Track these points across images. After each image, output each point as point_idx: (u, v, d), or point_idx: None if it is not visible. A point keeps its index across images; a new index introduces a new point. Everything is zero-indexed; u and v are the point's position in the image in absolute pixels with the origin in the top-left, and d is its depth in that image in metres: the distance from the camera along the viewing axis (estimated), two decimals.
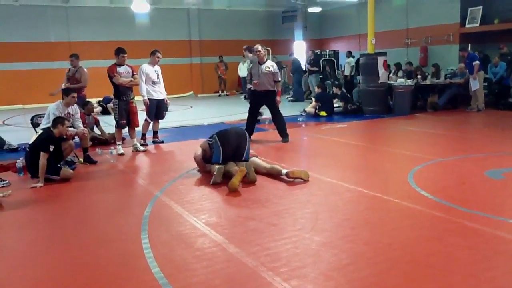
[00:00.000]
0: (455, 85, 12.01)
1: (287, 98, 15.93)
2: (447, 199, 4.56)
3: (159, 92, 8.17)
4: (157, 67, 8.18)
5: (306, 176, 5.44)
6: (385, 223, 4.03)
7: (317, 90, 12.04)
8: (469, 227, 3.80)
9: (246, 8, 19.32)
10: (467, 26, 14.58)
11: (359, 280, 2.96)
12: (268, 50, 19.53)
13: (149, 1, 16.16)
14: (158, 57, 8.13)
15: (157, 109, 8.17)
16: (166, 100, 8.46)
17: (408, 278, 2.98)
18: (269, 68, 8.05)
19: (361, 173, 5.96)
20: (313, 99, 12.04)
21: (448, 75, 12.88)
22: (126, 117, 7.54)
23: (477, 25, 14.25)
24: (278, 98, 8.16)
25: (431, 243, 3.53)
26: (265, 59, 8.21)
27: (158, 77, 8.12)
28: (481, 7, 14.15)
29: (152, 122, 8.28)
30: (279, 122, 8.23)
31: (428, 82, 12.50)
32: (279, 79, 8.20)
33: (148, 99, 7.99)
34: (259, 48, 8.17)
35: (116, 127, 7.64)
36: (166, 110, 8.68)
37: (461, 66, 12.36)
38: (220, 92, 19.33)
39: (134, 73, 7.62)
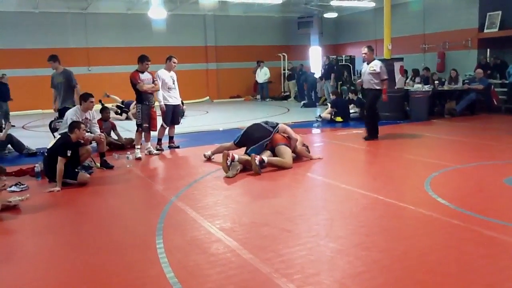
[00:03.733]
0: (473, 91, 11.84)
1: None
2: (465, 206, 4.49)
3: (175, 98, 8.24)
4: (172, 73, 8.25)
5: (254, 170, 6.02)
6: (401, 231, 3.98)
7: (332, 96, 12.02)
8: (488, 236, 3.74)
9: (262, 14, 19.37)
10: (485, 31, 14.37)
11: None
12: (284, 55, 19.66)
13: (166, 7, 16.32)
14: (174, 63, 8.19)
15: (172, 115, 8.24)
16: (182, 106, 8.53)
17: (425, 287, 2.93)
18: (372, 67, 8.49)
19: (377, 179, 5.90)
20: (329, 104, 12.01)
21: (466, 81, 12.71)
22: (148, 121, 7.63)
23: (496, 30, 14.04)
24: (383, 95, 8.60)
25: (448, 251, 3.47)
26: (372, 59, 8.60)
27: (174, 83, 8.19)
28: (500, 12, 13.94)
29: (168, 128, 8.34)
30: (368, 121, 8.78)
31: (445, 87, 12.36)
32: (385, 77, 8.58)
33: (164, 104, 8.05)
34: (365, 50, 8.68)
35: (136, 131, 7.72)
36: (182, 115, 8.74)
37: (479, 71, 12.20)
38: (258, 96, 19.21)
39: (154, 79, 7.73)
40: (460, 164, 6.43)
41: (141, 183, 6.23)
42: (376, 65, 8.55)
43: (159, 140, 8.25)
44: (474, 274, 3.10)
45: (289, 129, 6.83)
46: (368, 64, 8.68)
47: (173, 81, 8.19)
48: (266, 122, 6.98)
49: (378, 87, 8.60)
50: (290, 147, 6.65)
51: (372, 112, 8.78)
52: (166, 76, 8.07)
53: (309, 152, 7.04)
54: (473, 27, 14.69)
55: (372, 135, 8.65)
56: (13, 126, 11.76)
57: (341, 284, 2.99)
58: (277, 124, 6.91)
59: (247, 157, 6.36)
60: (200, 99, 19.23)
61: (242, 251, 3.57)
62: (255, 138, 6.63)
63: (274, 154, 6.50)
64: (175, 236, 3.98)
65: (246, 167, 6.33)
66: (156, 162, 7.55)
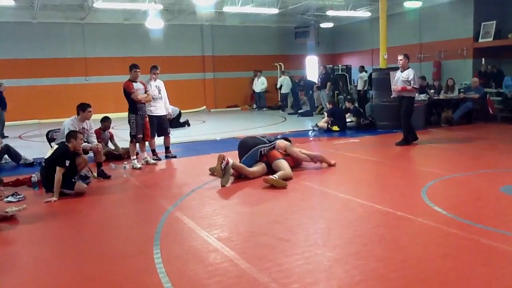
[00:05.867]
0: (470, 100, 11.90)
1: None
2: (462, 215, 4.50)
3: (160, 108, 8.16)
4: (159, 82, 8.20)
5: (279, 185, 5.78)
6: (398, 240, 3.98)
7: (328, 106, 12.07)
8: (485, 244, 3.74)
9: (259, 24, 19.48)
10: (480, 40, 14.52)
11: None
12: (280, 65, 19.75)
13: (163, 17, 16.40)
14: (154, 73, 8.15)
15: (158, 126, 8.16)
16: (170, 115, 8.57)
17: None
18: (406, 75, 8.65)
19: (374, 188, 5.92)
20: (326, 114, 12.05)
21: (462, 90, 12.79)
22: (142, 132, 7.63)
23: (491, 39, 14.18)
24: (397, 87, 8.83)
25: (446, 260, 3.47)
26: (407, 67, 8.76)
27: (159, 93, 8.13)
28: (494, 21, 14.10)
29: (155, 138, 8.24)
30: (403, 126, 9.01)
31: (441, 96, 12.42)
32: (414, 86, 8.74)
33: (148, 115, 7.92)
34: (401, 57, 8.88)
35: (130, 142, 7.69)
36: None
37: (475, 80, 12.27)
38: (255, 106, 19.34)
39: (146, 89, 7.72)
40: (457, 173, 6.45)
41: (138, 193, 6.22)
42: (410, 73, 8.69)
43: (153, 150, 8.23)
44: (471, 282, 3.10)
45: (289, 148, 6.85)
46: (402, 71, 8.81)
47: (159, 91, 8.12)
48: (264, 136, 7.02)
49: (409, 95, 8.78)
50: (294, 160, 6.75)
51: (409, 118, 8.96)
52: (151, 85, 8.02)
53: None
54: (468, 36, 14.83)
55: (407, 140, 8.86)
56: (7, 136, 11.79)
57: None
58: (275, 139, 6.93)
59: (240, 164, 6.37)
60: (197, 108, 19.27)
61: (240, 260, 3.56)
62: (249, 145, 6.62)
63: (271, 169, 6.47)
64: (173, 246, 3.98)
65: (241, 176, 6.35)
66: (153, 171, 7.54)
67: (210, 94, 19.79)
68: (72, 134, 6.06)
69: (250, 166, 6.46)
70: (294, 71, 19.75)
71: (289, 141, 7.21)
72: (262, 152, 6.61)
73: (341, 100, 15.13)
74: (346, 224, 4.42)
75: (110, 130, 8.82)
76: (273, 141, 6.82)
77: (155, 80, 8.14)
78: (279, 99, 18.82)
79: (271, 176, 5.91)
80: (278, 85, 18.18)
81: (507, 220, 4.41)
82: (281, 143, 6.88)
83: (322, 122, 11.53)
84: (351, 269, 3.35)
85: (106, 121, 8.62)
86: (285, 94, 18.12)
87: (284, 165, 6.39)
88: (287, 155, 6.76)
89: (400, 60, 8.86)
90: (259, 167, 6.47)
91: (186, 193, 5.79)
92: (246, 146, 6.67)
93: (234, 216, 4.89)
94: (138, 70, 7.58)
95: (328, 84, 15.53)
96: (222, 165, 6.00)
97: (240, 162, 6.51)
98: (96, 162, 6.92)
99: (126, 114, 7.79)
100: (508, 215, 4.57)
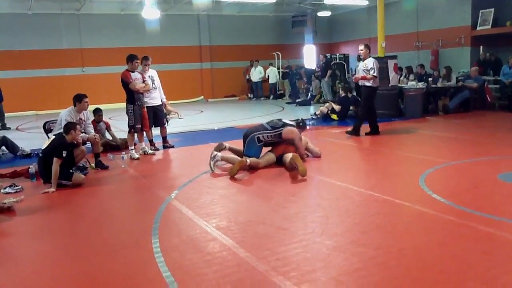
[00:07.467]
0: (467, 88, 11.88)
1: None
2: (460, 203, 4.50)
3: (155, 98, 8.14)
4: (151, 72, 8.20)
5: (303, 170, 5.74)
6: (396, 228, 3.99)
7: (341, 92, 12.07)
8: (483, 232, 3.75)
9: (256, 13, 19.37)
10: (478, 28, 14.44)
11: (370, 285, 2.93)
12: (278, 54, 19.67)
13: (160, 7, 16.28)
14: (147, 64, 8.11)
15: (154, 116, 8.14)
16: (165, 105, 8.52)
17: (421, 284, 2.94)
18: (366, 64, 8.75)
19: (372, 176, 5.92)
20: (326, 103, 12.05)
21: (460, 78, 12.75)
22: (140, 122, 7.60)
23: (489, 27, 14.11)
24: (358, 76, 8.99)
25: (444, 248, 3.48)
26: (367, 57, 8.82)
27: (153, 83, 8.11)
28: (492, 9, 14.01)
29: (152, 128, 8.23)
30: (360, 116, 9.17)
31: (439, 85, 12.40)
32: (373, 74, 8.63)
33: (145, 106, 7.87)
34: (361, 47, 8.92)
35: (129, 132, 7.67)
36: (165, 117, 8.68)
37: (475, 69, 12.22)
38: (250, 95, 19.51)
39: (144, 79, 7.68)
40: (455, 161, 6.45)
41: (136, 183, 6.20)
42: (369, 62, 8.72)
43: (151, 141, 8.21)
44: (470, 270, 3.10)
45: (296, 136, 6.55)
46: (363, 61, 8.86)
47: (153, 81, 8.11)
48: (270, 122, 6.73)
49: (369, 84, 8.76)
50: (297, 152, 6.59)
51: (367, 109, 8.96)
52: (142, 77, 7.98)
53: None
54: (466, 24, 14.75)
55: (375, 129, 8.96)
56: (9, 128, 11.77)
57: (338, 281, 2.99)
58: (282, 125, 6.54)
59: (255, 159, 6.31)
60: (194, 98, 19.22)
61: (238, 249, 3.56)
62: (247, 133, 6.55)
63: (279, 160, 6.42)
64: (171, 235, 3.97)
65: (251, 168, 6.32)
66: (151, 162, 7.53)
67: (208, 84, 19.72)
68: (71, 126, 6.03)
69: (255, 154, 6.37)
70: (292, 61, 19.68)
71: (304, 125, 7.21)
72: (261, 138, 6.42)
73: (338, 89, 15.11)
74: (344, 213, 4.42)
75: (106, 120, 8.77)
76: (279, 128, 6.50)
77: (147, 71, 8.11)
78: (276, 89, 19.01)
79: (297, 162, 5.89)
80: (266, 76, 18.60)
81: (505, 207, 4.42)
82: (288, 132, 6.49)
83: (324, 107, 11.59)
84: (350, 257, 3.36)
85: (98, 113, 8.56)
86: (272, 84, 18.73)
87: (289, 157, 6.25)
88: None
89: (361, 50, 8.94)
90: (266, 159, 6.42)
91: (184, 183, 5.79)
92: (246, 135, 6.61)
93: (232, 205, 4.89)
94: (137, 61, 7.56)
95: (329, 72, 15.54)
96: (241, 168, 6.05)
97: (244, 154, 6.42)
98: (94, 153, 6.90)
99: (123, 104, 7.76)
100: (506, 203, 4.58)
